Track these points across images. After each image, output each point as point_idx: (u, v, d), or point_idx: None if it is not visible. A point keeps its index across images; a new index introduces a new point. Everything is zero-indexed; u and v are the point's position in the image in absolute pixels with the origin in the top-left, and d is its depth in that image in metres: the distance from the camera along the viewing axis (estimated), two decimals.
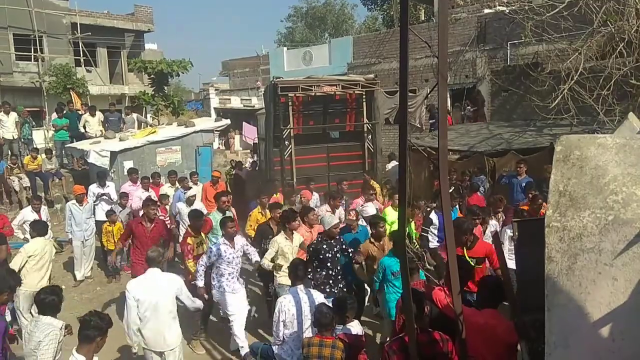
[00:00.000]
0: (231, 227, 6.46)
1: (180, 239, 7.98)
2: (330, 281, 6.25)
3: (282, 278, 6.57)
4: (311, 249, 6.41)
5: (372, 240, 6.71)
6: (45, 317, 4.30)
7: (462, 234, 5.39)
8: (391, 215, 7.86)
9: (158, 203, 9.89)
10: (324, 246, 6.31)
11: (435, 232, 7.83)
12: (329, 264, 6.25)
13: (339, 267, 6.36)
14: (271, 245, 6.66)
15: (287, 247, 6.63)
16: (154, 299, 5.14)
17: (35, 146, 14.33)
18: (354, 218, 7.65)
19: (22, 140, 14.51)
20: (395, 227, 7.24)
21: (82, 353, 3.80)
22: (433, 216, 7.94)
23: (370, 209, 8.38)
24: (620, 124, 6.27)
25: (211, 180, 11.12)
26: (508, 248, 6.77)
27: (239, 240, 6.64)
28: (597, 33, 10.94)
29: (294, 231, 6.79)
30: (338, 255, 6.39)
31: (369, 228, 7.07)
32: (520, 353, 3.88)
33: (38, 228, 7.20)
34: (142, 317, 5.19)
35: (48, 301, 4.30)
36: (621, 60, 10.64)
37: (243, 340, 6.41)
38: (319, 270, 6.29)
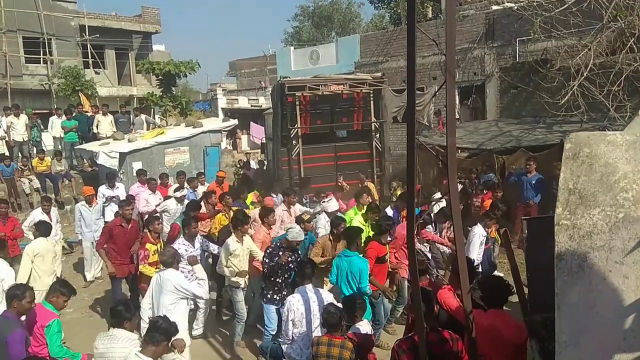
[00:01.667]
0: (194, 227, 6.86)
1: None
2: (276, 288, 6.19)
3: (235, 277, 6.67)
4: (268, 251, 6.30)
5: (331, 237, 6.93)
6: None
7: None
8: (351, 216, 8.02)
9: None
10: (280, 253, 6.21)
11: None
12: (279, 272, 6.18)
13: (286, 276, 6.29)
14: (223, 250, 6.65)
15: (238, 249, 6.61)
16: (158, 295, 5.42)
17: (43, 147, 14.46)
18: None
19: (32, 142, 14.68)
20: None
21: (147, 354, 3.79)
22: (389, 211, 8.23)
23: (333, 204, 8.34)
24: (631, 120, 6.21)
25: (216, 181, 11.16)
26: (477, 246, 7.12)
27: (198, 239, 6.99)
28: (607, 28, 10.83)
29: (244, 234, 6.78)
30: (291, 265, 6.28)
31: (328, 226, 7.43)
32: (530, 352, 3.85)
33: (42, 229, 7.29)
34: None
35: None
36: (632, 55, 10.53)
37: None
38: (270, 276, 6.21)
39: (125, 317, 4.29)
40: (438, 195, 9.55)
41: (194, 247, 6.75)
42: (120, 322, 4.29)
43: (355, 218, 7.79)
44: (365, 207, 8.02)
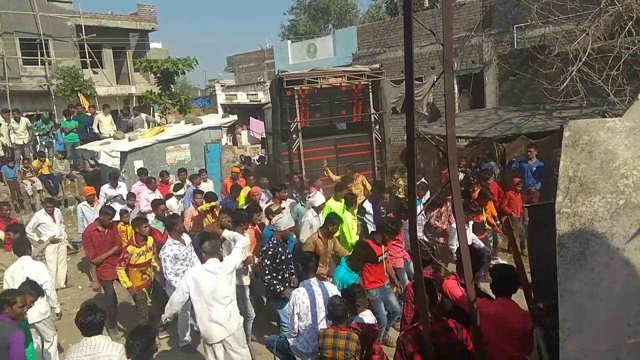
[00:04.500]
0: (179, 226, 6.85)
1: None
2: (285, 282, 6.19)
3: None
4: (269, 253, 6.19)
5: (320, 235, 6.66)
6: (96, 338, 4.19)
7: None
8: (333, 206, 7.99)
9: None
10: (280, 249, 6.22)
11: (371, 219, 8.14)
12: (284, 267, 6.20)
13: (291, 268, 6.32)
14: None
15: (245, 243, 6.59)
16: (210, 286, 5.28)
17: (44, 150, 14.54)
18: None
19: (44, 143, 14.90)
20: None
21: None
22: (367, 205, 8.16)
23: (318, 197, 8.07)
24: (631, 105, 6.20)
25: (230, 176, 11.25)
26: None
27: (187, 237, 6.92)
28: (604, 12, 10.77)
29: (245, 231, 6.73)
30: (290, 255, 6.34)
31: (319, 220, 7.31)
32: (535, 338, 3.87)
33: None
34: (200, 308, 5.30)
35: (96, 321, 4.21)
36: (630, 39, 10.49)
37: (184, 335, 6.76)
38: (275, 274, 6.17)
39: (98, 323, 4.22)
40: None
41: (184, 244, 6.70)
42: (98, 329, 4.21)
43: (333, 206, 7.71)
44: (342, 199, 8.00)
